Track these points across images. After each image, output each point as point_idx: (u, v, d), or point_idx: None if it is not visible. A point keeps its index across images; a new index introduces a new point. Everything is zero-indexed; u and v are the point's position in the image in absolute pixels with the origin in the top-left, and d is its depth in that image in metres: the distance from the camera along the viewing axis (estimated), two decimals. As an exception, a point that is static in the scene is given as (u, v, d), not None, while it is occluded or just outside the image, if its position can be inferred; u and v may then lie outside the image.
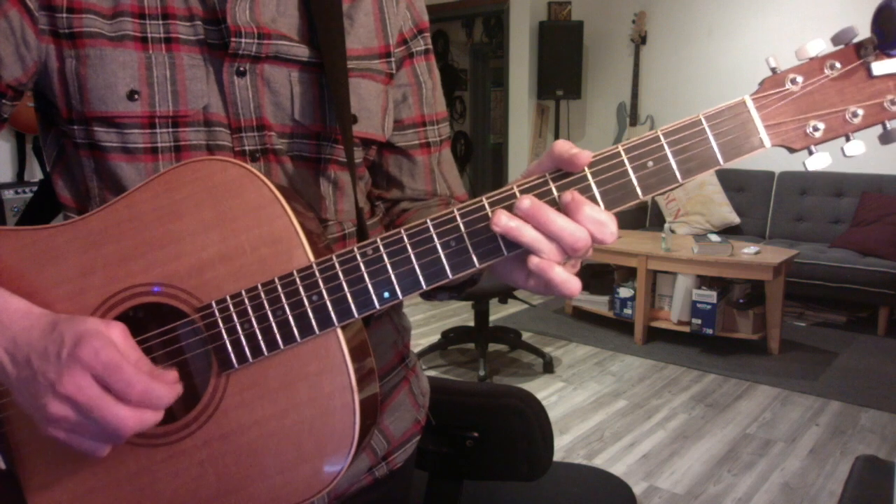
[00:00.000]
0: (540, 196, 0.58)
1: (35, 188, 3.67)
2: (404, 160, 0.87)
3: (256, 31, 0.71)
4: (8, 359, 0.60)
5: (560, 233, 0.56)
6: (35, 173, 3.94)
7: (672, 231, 4.77)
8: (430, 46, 0.88)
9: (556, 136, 5.80)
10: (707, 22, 5.33)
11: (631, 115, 5.63)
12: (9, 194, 3.60)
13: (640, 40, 5.53)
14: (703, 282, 3.90)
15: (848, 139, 0.58)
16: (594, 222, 0.56)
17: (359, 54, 0.78)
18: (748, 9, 5.11)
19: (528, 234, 0.57)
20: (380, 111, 0.80)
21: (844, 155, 0.58)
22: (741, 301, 3.88)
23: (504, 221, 0.57)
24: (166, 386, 0.60)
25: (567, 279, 0.58)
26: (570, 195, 0.57)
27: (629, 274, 4.15)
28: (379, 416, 0.72)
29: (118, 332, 0.60)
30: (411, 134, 0.86)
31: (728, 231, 4.87)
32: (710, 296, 3.80)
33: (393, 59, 0.82)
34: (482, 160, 7.96)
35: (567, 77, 5.57)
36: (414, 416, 0.90)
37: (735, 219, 4.97)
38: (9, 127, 3.67)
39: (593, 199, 0.58)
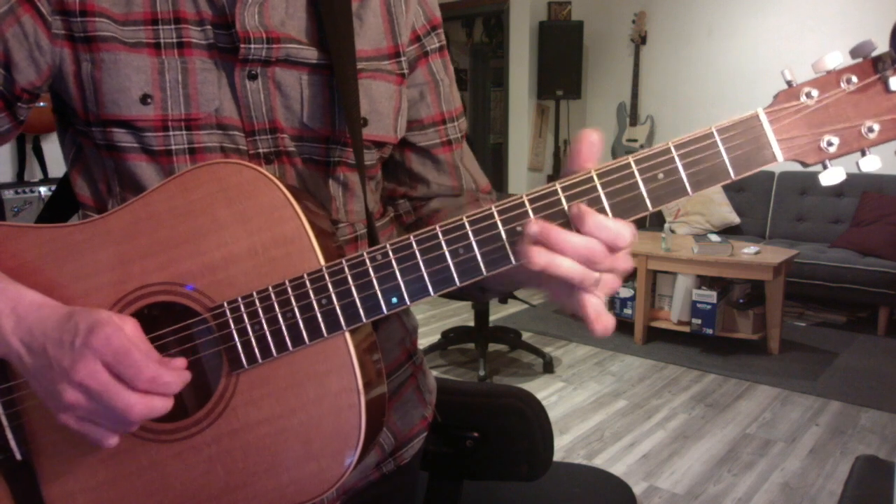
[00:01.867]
0: (549, 206, 0.59)
1: (34, 188, 3.67)
2: (428, 159, 0.87)
3: (265, 36, 0.71)
4: (24, 350, 0.61)
5: (575, 249, 0.56)
6: (35, 173, 3.93)
7: (672, 231, 4.77)
8: (444, 43, 0.87)
9: (557, 136, 5.81)
10: (707, 22, 5.33)
11: (631, 115, 5.63)
12: (9, 194, 3.60)
13: (640, 40, 5.53)
14: (703, 282, 3.90)
15: (863, 154, 0.57)
16: (603, 229, 0.57)
17: (368, 55, 0.78)
18: (748, 9, 5.11)
19: (540, 258, 0.57)
20: (392, 112, 0.80)
21: (860, 170, 0.58)
22: (741, 301, 3.88)
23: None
24: (174, 372, 0.61)
25: (600, 313, 0.59)
26: (577, 207, 0.57)
27: (629, 274, 4.14)
28: (387, 414, 0.73)
29: (130, 325, 0.61)
30: (432, 133, 0.86)
31: (728, 231, 4.87)
32: (710, 296, 3.80)
33: (404, 58, 0.81)
34: (482, 160, 7.85)
35: (567, 77, 5.57)
36: (421, 412, 0.91)
37: (735, 219, 4.97)
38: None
39: (602, 211, 0.58)
